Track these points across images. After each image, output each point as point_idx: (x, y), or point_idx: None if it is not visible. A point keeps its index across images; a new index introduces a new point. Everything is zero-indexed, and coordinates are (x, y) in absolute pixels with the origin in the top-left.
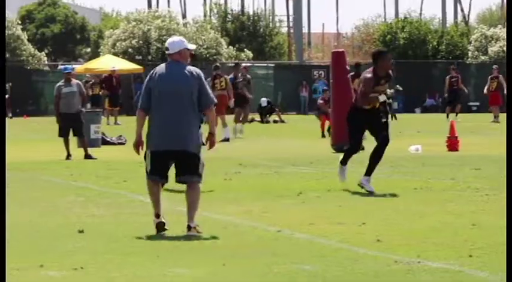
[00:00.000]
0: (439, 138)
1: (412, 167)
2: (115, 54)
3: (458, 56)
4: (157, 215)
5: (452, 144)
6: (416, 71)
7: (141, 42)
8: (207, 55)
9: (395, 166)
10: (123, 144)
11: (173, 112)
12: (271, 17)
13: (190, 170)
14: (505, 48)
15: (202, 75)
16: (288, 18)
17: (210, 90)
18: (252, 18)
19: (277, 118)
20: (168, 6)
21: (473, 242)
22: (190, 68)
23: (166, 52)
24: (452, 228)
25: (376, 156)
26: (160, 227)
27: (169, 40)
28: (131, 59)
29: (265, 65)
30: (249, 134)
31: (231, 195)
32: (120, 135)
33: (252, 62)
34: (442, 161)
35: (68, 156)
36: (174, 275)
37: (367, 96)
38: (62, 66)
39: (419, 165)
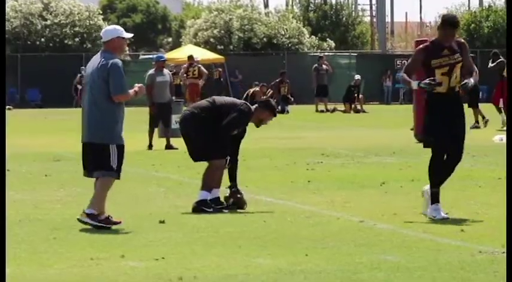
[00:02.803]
0: None
1: (496, 156)
2: (196, 44)
3: None
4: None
5: None
6: None
7: (222, 31)
8: (289, 45)
9: (479, 156)
10: None
11: (85, 102)
12: (353, 6)
13: (96, 163)
14: None
15: (112, 65)
16: (371, 7)
17: (117, 80)
18: (334, 7)
19: (359, 107)
20: None
21: None
22: (104, 58)
23: (102, 40)
24: None
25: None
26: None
27: (104, 29)
28: (213, 48)
29: (348, 54)
30: (331, 124)
31: (313, 185)
32: None
33: (334, 52)
34: None
35: (150, 146)
36: (256, 265)
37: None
38: (154, 55)
39: (504, 155)
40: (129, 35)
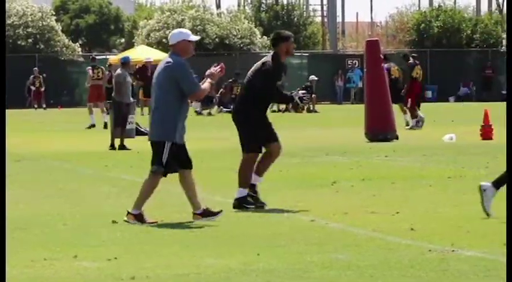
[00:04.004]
0: (473, 127)
1: (446, 155)
2: (149, 44)
3: (493, 44)
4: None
5: (487, 132)
6: (450, 60)
7: None
8: (241, 45)
9: (429, 155)
10: None
11: (153, 101)
12: (305, 7)
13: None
14: None
15: (180, 67)
16: (322, 8)
17: (190, 79)
18: (286, 7)
19: (311, 107)
20: None
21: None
22: (172, 59)
23: (169, 44)
24: (486, 217)
25: None
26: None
27: (171, 32)
28: (165, 49)
29: (299, 54)
30: (283, 124)
31: (265, 185)
32: None
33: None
34: (476, 150)
35: (114, 146)
36: (208, 265)
37: None
38: (122, 56)
39: (453, 154)
40: (196, 38)
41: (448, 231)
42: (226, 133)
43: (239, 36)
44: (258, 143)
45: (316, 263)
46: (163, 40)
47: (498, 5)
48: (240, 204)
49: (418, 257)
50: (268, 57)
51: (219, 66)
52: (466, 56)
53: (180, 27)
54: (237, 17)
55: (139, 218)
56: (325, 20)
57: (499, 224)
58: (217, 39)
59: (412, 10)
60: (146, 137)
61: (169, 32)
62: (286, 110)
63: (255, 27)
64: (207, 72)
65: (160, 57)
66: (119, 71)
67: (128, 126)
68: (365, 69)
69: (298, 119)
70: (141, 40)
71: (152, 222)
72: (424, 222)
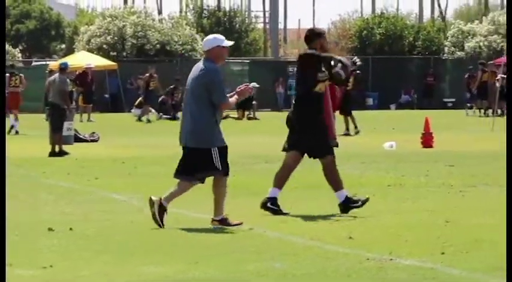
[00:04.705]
0: (414, 135)
1: (386, 163)
2: (90, 50)
3: (435, 51)
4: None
5: (427, 140)
6: (392, 67)
7: (116, 38)
8: (183, 51)
9: (369, 162)
10: (96, 141)
11: (186, 108)
12: (247, 13)
13: (200, 166)
14: (481, 44)
15: (212, 73)
16: (264, 14)
17: (220, 89)
18: (228, 14)
19: (251, 115)
20: (144, 2)
21: (447, 239)
22: (205, 66)
23: (203, 50)
24: (426, 225)
25: None
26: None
27: (205, 38)
28: (106, 55)
29: (241, 61)
30: (223, 131)
31: (203, 193)
32: (93, 132)
33: (227, 58)
34: (416, 158)
35: (57, 152)
36: (145, 273)
37: None
38: (62, 62)
39: (393, 161)
40: (230, 43)
41: (387, 239)
42: (165, 140)
43: (180, 42)
44: (328, 143)
45: (252, 272)
46: (104, 46)
47: (441, 12)
48: (347, 205)
49: (356, 266)
50: None
51: (250, 86)
52: (408, 63)
53: (121, 34)
54: (178, 23)
55: (224, 222)
56: (267, 26)
57: (438, 232)
58: (158, 46)
59: (354, 17)
60: (85, 143)
61: (110, 38)
62: (227, 116)
63: (197, 33)
64: (238, 89)
65: (100, 63)
66: (58, 77)
67: (67, 133)
68: None
69: (239, 126)
70: (81, 46)
71: (237, 224)
72: (363, 231)
